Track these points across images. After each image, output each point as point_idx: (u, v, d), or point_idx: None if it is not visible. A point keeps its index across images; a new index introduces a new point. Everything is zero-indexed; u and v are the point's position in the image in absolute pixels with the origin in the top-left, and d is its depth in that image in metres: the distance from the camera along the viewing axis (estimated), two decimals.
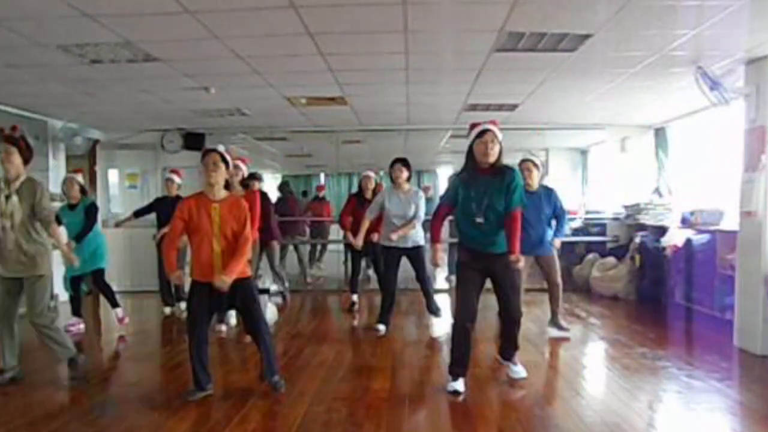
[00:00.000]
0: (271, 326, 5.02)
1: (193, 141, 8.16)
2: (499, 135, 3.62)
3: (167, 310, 6.51)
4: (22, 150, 3.80)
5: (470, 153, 3.66)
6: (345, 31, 4.06)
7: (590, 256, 7.89)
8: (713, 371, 4.14)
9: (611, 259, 7.51)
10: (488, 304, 4.20)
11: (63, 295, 6.09)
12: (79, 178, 5.60)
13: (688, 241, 6.13)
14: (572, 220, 8.05)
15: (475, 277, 3.70)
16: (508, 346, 4.00)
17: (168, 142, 8.18)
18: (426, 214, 5.32)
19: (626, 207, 7.65)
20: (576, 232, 8.40)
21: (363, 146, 9.80)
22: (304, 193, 13.15)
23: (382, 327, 5.43)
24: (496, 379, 4.06)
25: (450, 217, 4.04)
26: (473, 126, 3.67)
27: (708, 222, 5.95)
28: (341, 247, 8.37)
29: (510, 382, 3.95)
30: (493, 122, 3.65)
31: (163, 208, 6.11)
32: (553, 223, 5.18)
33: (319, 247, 10.04)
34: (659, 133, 7.74)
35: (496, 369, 4.24)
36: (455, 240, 8.30)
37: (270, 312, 6.62)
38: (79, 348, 4.21)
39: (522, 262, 3.70)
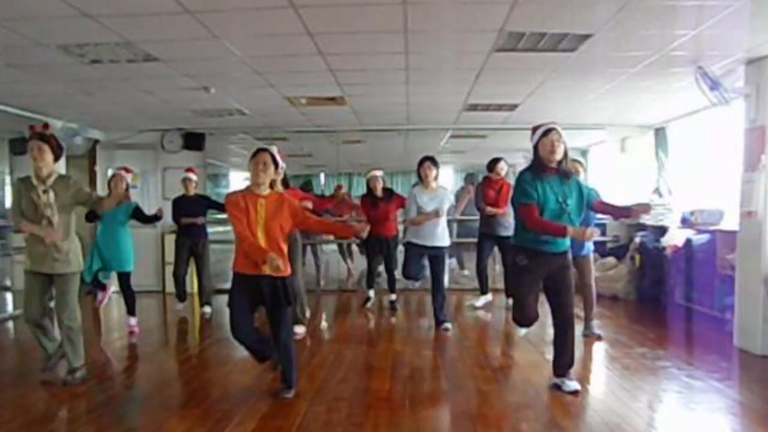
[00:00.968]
0: None
1: (193, 141, 8.18)
2: (563, 134, 3.61)
3: (180, 305, 6.55)
4: (53, 147, 3.86)
5: (536, 153, 3.63)
6: (345, 31, 4.06)
7: None
8: (713, 371, 4.14)
9: (611, 259, 7.51)
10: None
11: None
12: (129, 177, 5.57)
13: (688, 241, 6.13)
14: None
15: (535, 284, 3.69)
16: (566, 357, 3.71)
17: (168, 142, 8.18)
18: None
19: None
20: None
21: (363, 146, 9.79)
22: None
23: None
24: (496, 380, 4.05)
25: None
26: (536, 128, 3.65)
27: (708, 222, 5.94)
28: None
29: (510, 382, 3.94)
30: (554, 122, 3.65)
31: (185, 205, 6.31)
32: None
33: (345, 244, 9.95)
34: (659, 133, 7.72)
35: (496, 369, 4.23)
36: (461, 240, 8.43)
37: None
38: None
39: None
